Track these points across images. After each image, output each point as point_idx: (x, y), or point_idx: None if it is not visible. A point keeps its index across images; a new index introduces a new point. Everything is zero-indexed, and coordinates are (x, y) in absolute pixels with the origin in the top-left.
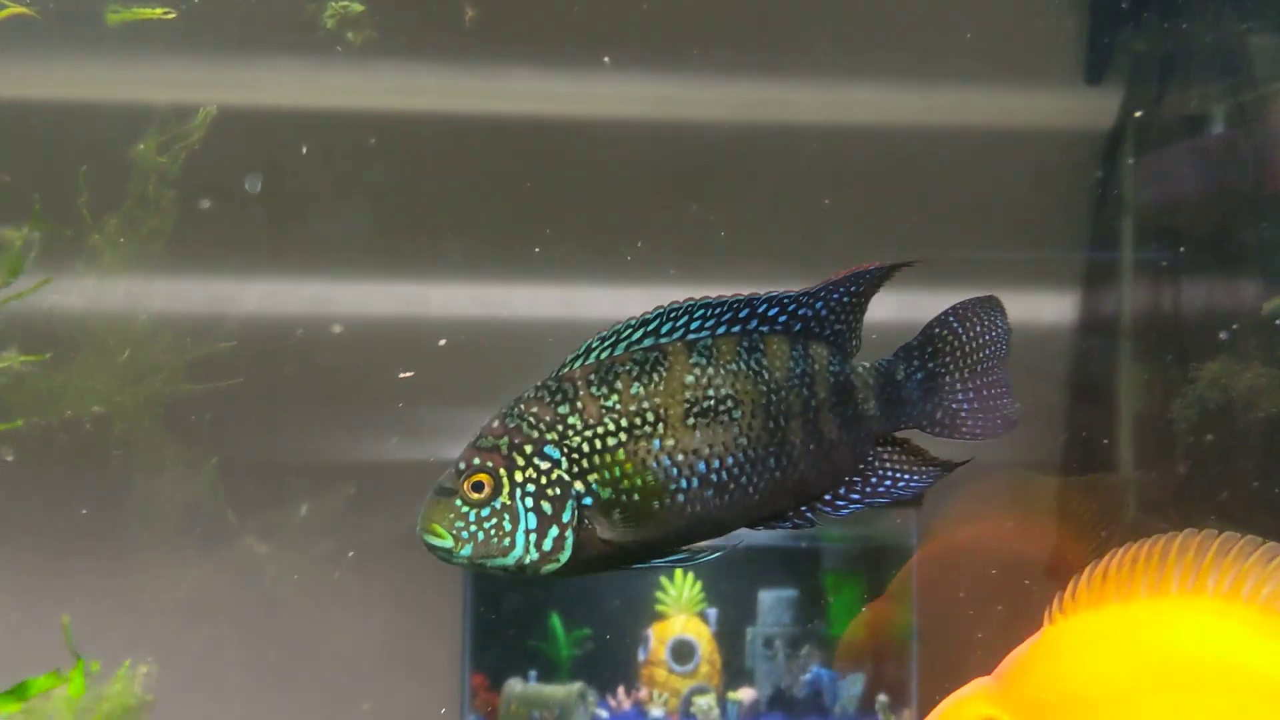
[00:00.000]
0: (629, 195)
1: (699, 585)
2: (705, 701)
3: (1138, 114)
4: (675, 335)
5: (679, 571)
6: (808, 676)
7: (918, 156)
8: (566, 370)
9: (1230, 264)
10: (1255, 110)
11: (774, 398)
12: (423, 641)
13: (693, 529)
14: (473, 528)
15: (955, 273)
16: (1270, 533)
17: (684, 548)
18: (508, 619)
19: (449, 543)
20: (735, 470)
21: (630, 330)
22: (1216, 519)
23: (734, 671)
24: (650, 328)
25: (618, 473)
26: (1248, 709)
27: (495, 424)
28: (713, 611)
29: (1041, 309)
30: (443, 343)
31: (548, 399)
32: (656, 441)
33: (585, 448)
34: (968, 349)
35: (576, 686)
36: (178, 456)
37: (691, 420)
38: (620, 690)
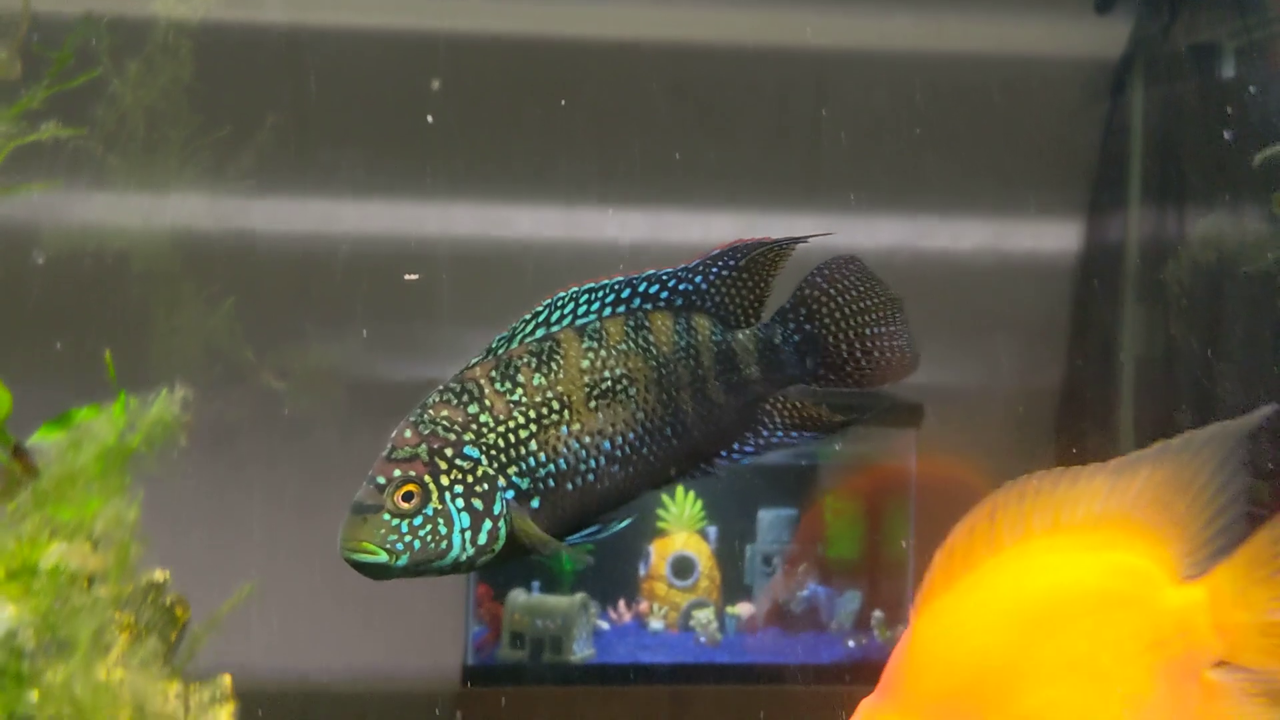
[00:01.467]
0: (637, 118)
1: (700, 504)
2: (704, 615)
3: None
4: (565, 322)
5: (680, 489)
6: (805, 593)
7: (925, 84)
8: (466, 371)
9: (1235, 193)
10: (1263, 47)
11: (664, 371)
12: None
13: (604, 503)
14: (408, 537)
15: (963, 200)
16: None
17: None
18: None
19: (383, 558)
20: (636, 443)
21: (524, 325)
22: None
23: (733, 587)
24: (540, 318)
25: (533, 462)
26: (1107, 622)
27: (408, 434)
28: (713, 529)
29: (1045, 238)
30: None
31: (455, 401)
32: (564, 428)
33: (500, 443)
34: (839, 307)
35: (579, 597)
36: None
37: (593, 403)
38: (621, 603)
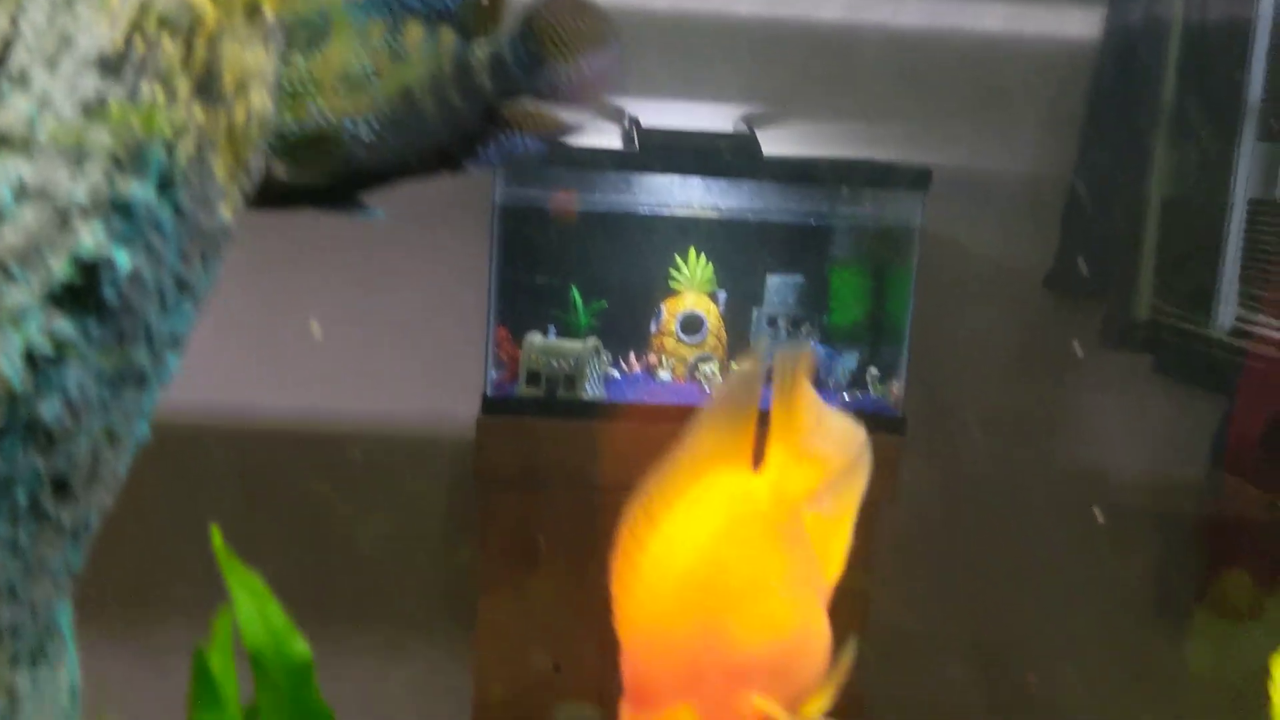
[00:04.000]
0: None
1: (710, 268)
2: (710, 368)
3: None
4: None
5: (692, 252)
6: None
7: None
8: None
9: None
10: None
11: (407, 72)
12: (449, 304)
13: (349, 180)
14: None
15: None
16: None
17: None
18: (530, 290)
19: None
20: (380, 130)
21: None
22: None
23: (738, 346)
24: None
25: (282, 130)
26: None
27: None
28: (722, 294)
29: (1068, 23)
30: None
31: None
32: (311, 103)
33: None
34: (563, 36)
35: (591, 341)
36: None
37: (339, 86)
38: (632, 356)
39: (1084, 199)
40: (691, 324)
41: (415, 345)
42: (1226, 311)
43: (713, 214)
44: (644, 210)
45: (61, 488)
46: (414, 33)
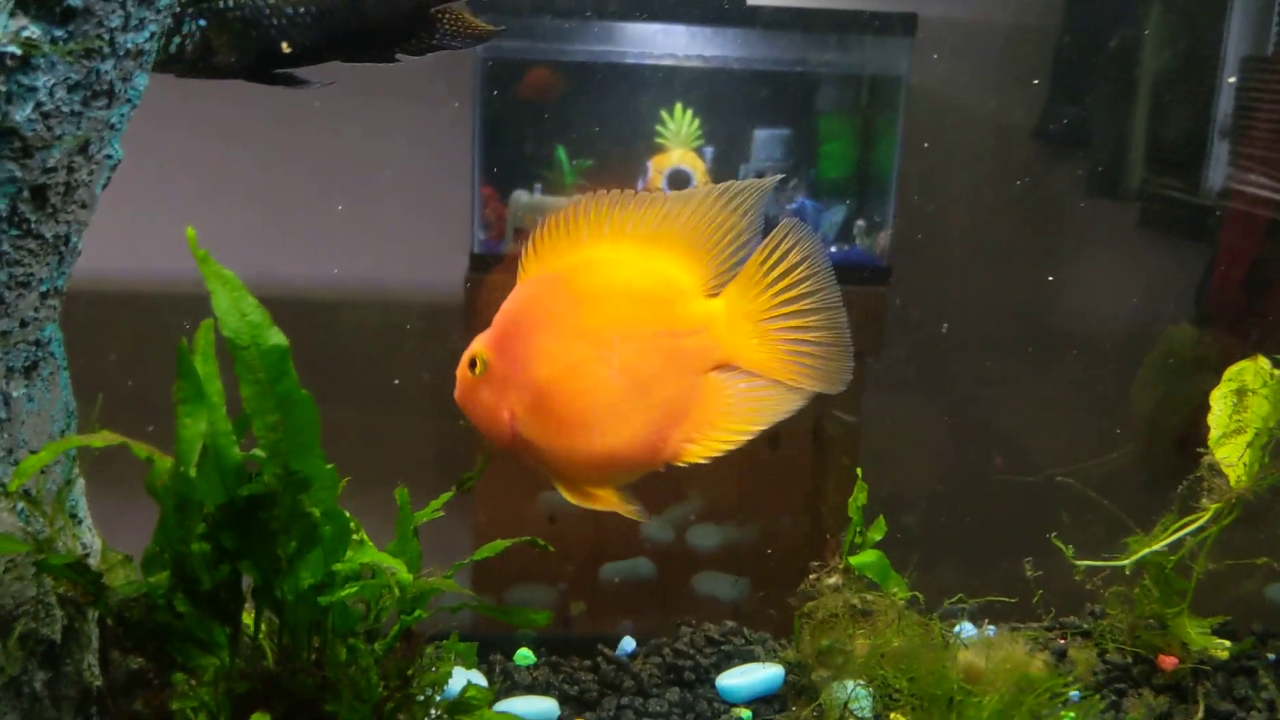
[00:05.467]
0: None
1: (696, 123)
2: None
3: None
4: None
5: (678, 108)
6: (793, 206)
7: None
8: None
9: None
10: None
11: None
12: (435, 166)
13: (289, 57)
14: None
15: None
16: None
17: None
18: (515, 153)
19: None
20: (310, 20)
21: None
22: None
23: None
24: None
25: (222, 6)
26: (643, 313)
27: None
28: (709, 150)
29: None
30: None
31: None
32: None
33: None
34: None
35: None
36: None
37: None
38: None
39: (1074, 51)
40: (678, 180)
41: (404, 207)
42: (1215, 170)
43: (699, 65)
44: (629, 60)
45: (40, 197)
46: None
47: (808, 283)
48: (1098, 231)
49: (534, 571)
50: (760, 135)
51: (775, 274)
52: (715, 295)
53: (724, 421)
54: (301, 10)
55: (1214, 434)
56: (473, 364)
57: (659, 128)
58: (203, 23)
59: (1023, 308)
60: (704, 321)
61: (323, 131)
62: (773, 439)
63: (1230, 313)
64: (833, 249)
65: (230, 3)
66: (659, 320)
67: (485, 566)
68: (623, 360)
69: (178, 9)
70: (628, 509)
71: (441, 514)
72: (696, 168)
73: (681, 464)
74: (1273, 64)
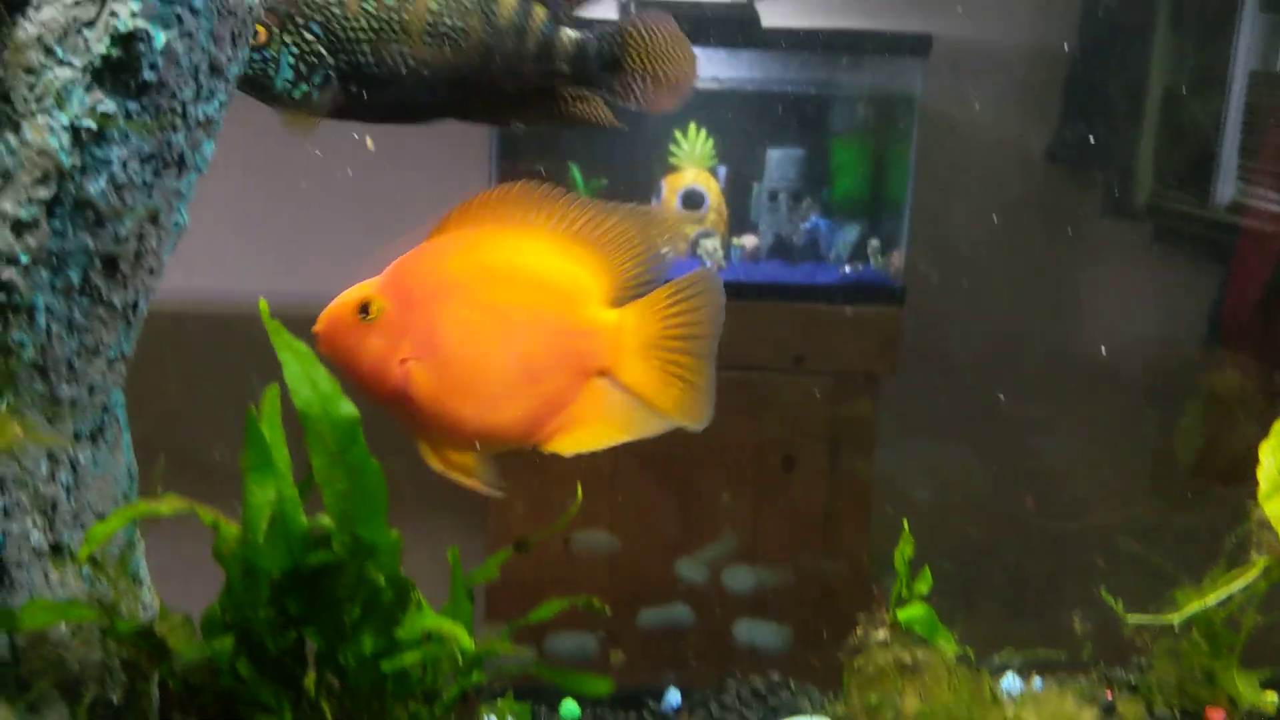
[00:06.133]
0: None
1: (711, 143)
2: (710, 244)
3: None
4: None
5: (692, 127)
6: (807, 225)
7: None
8: None
9: None
10: None
11: (493, 38)
12: (452, 184)
13: (412, 114)
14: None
15: None
16: None
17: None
18: (531, 171)
19: None
20: (448, 83)
21: None
22: None
23: (739, 221)
24: None
25: (360, 61)
26: (540, 304)
27: None
28: (723, 169)
29: None
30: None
31: None
32: (396, 46)
33: (341, 35)
34: (648, 49)
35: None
36: None
37: (427, 38)
38: None
39: (1085, 71)
40: (692, 199)
41: (421, 226)
42: (1225, 185)
43: (713, 86)
44: None
45: (110, 266)
46: (508, 2)
47: (697, 327)
48: (1111, 250)
49: (568, 615)
50: (774, 155)
51: (675, 310)
52: (614, 308)
53: (594, 424)
54: (436, 73)
55: (1263, 488)
56: (365, 308)
57: (673, 147)
58: (335, 74)
59: (1038, 329)
60: (600, 328)
61: (340, 149)
62: (787, 459)
63: (1246, 332)
64: (846, 268)
65: (369, 59)
66: (561, 316)
67: (518, 607)
68: (524, 345)
69: (312, 58)
70: (484, 483)
71: (496, 576)
72: (710, 187)
73: (546, 451)
74: None
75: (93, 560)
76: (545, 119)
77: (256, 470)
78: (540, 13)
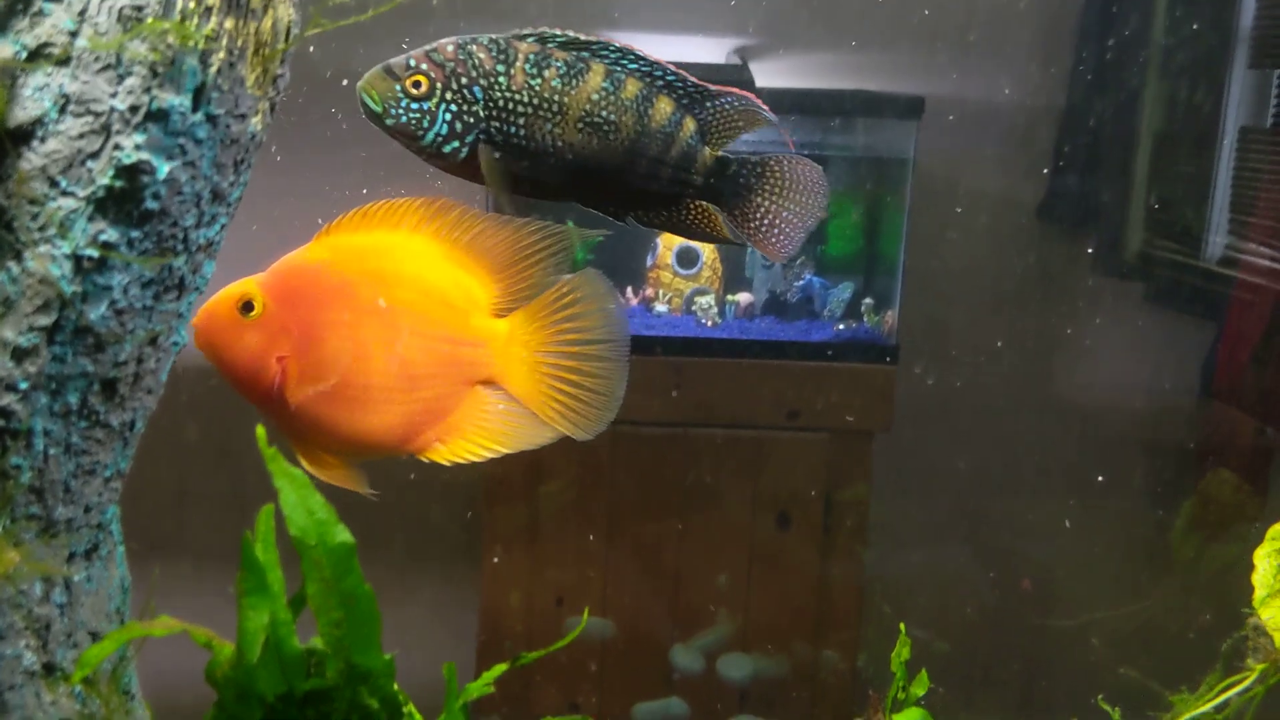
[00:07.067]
0: None
1: None
2: (706, 301)
3: None
4: (607, 61)
5: None
6: (801, 283)
7: None
8: (518, 39)
9: None
10: None
11: (642, 139)
12: None
13: (544, 192)
14: (400, 110)
15: None
16: None
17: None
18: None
19: (379, 109)
20: (589, 172)
21: (582, 40)
22: None
23: (734, 279)
24: (595, 47)
25: (513, 131)
26: (427, 309)
27: (449, 49)
28: None
29: None
30: None
31: (494, 53)
32: (549, 125)
33: (501, 103)
34: (783, 189)
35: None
36: None
37: (581, 125)
38: (629, 290)
39: (1076, 130)
40: (687, 257)
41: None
42: (1216, 241)
43: None
44: None
45: (109, 389)
46: (663, 108)
47: (589, 331)
48: (1102, 306)
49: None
50: None
51: (562, 315)
52: (502, 316)
53: (474, 434)
54: (580, 159)
55: (1259, 594)
56: (248, 306)
57: None
58: (484, 137)
59: (1031, 386)
60: (484, 337)
61: (353, 194)
62: (783, 516)
63: (1238, 388)
64: (840, 327)
65: (521, 132)
66: (445, 324)
67: (511, 697)
68: (405, 352)
69: (469, 119)
70: (357, 484)
71: (492, 689)
72: (704, 245)
73: (424, 459)
74: (1273, 135)
75: (85, 680)
76: (663, 224)
77: (252, 594)
78: (690, 125)
